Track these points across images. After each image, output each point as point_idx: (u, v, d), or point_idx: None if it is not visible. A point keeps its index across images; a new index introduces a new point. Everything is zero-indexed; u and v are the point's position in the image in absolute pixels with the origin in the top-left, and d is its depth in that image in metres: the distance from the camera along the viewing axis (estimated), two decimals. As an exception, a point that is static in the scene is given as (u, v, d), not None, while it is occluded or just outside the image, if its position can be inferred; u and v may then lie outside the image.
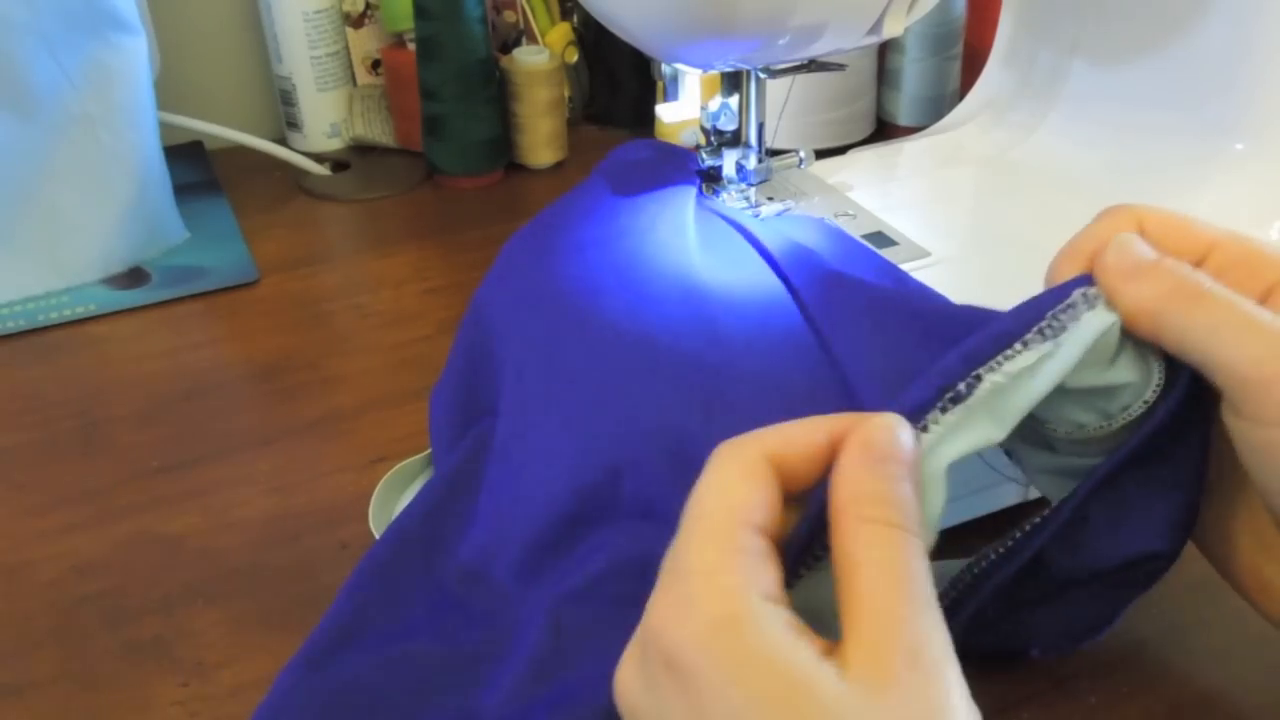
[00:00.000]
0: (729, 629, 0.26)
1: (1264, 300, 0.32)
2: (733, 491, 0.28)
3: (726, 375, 0.39)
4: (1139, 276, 0.32)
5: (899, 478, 0.28)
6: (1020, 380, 0.32)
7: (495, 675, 0.37)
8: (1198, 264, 0.33)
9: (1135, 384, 0.33)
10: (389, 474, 0.49)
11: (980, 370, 0.31)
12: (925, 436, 0.31)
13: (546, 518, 0.39)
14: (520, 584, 0.40)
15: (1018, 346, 0.32)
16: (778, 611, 0.26)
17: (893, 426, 0.29)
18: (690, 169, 0.51)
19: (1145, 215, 0.34)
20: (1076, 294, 0.33)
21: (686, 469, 0.34)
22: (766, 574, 0.27)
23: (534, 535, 0.39)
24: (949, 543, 0.46)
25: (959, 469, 0.37)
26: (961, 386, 0.31)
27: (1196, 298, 0.31)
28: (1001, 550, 0.35)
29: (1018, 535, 0.35)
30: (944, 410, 0.31)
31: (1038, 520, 0.35)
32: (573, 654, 0.36)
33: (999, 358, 0.31)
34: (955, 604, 0.36)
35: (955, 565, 0.36)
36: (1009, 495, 0.46)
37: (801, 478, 0.29)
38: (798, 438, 0.29)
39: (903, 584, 0.26)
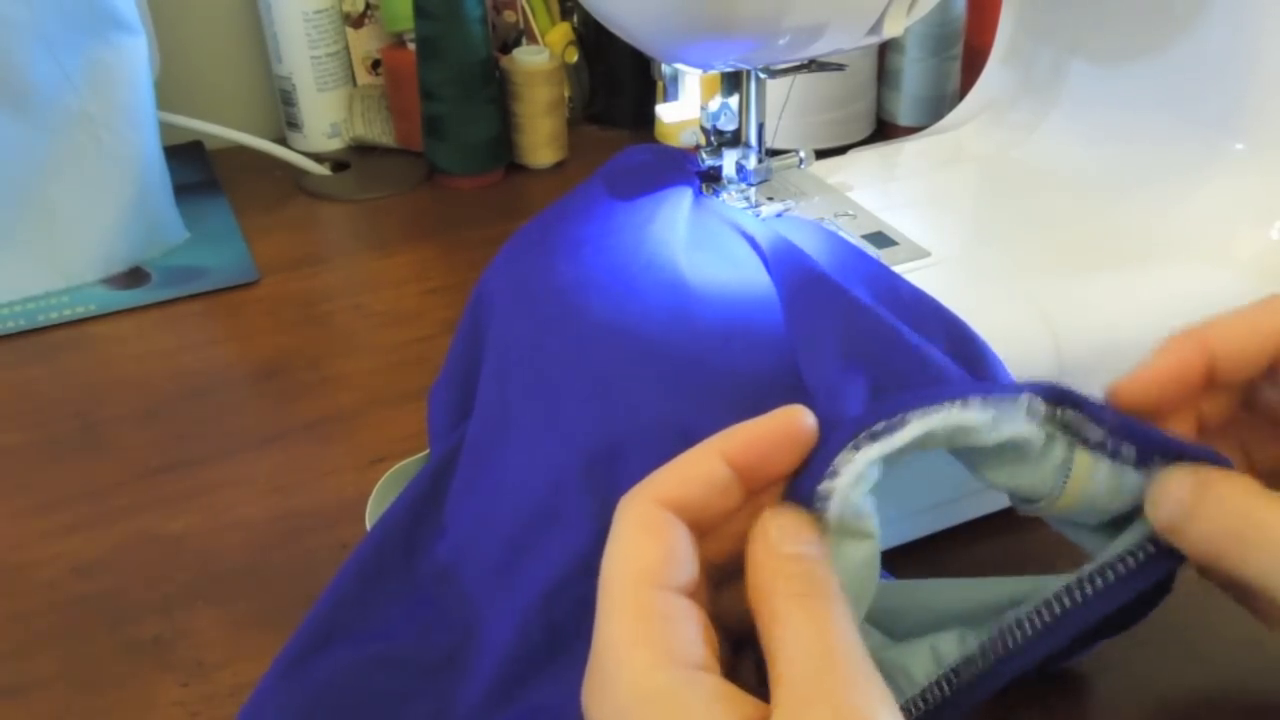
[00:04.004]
0: (645, 707, 0.25)
1: None
2: (635, 554, 0.27)
3: (702, 367, 0.39)
4: (1189, 522, 0.31)
5: (807, 556, 0.28)
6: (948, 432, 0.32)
7: (468, 679, 0.37)
8: (1273, 359, 0.33)
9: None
10: (387, 474, 0.49)
11: (908, 413, 0.31)
12: (835, 481, 0.30)
13: (521, 514, 0.39)
14: (491, 583, 0.39)
15: (956, 404, 0.32)
16: (697, 679, 0.25)
17: (791, 517, 0.29)
18: (689, 171, 0.51)
19: (1210, 335, 0.34)
20: (1024, 397, 0.33)
21: (662, 461, 0.34)
22: (684, 635, 0.26)
23: (509, 532, 0.39)
24: (949, 545, 0.46)
25: (949, 475, 0.37)
26: (880, 425, 0.31)
27: (1246, 544, 0.30)
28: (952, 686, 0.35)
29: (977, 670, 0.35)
30: (857, 448, 0.31)
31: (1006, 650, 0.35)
32: (540, 664, 0.36)
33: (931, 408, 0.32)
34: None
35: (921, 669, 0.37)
36: (1003, 498, 0.46)
37: (713, 509, 0.28)
38: (693, 473, 0.29)
39: (825, 648, 0.26)
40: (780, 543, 0.28)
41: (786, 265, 0.42)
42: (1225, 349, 0.33)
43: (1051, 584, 0.36)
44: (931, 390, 0.33)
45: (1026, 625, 0.34)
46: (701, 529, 0.29)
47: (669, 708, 0.25)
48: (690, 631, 0.26)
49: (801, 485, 0.30)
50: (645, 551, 0.27)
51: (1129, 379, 0.33)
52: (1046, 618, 0.34)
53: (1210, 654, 0.42)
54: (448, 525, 0.43)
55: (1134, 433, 0.33)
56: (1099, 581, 0.33)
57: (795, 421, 0.29)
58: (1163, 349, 0.33)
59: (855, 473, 0.30)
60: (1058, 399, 0.33)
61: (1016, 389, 0.33)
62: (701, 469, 0.29)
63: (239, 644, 0.44)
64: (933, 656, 0.36)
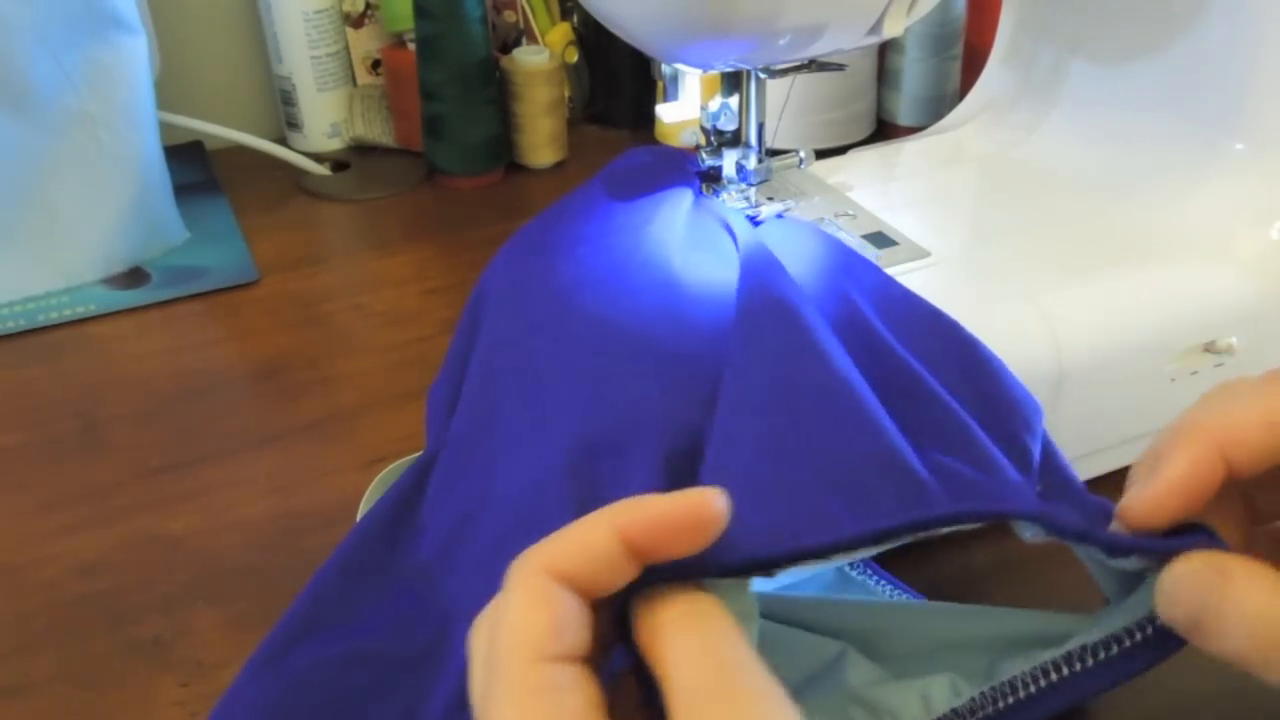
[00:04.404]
0: None
1: None
2: (522, 626, 0.27)
3: (691, 366, 0.39)
4: (1215, 623, 0.29)
5: (687, 589, 0.28)
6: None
7: (440, 679, 0.37)
8: None
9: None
10: (382, 474, 0.49)
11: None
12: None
13: (506, 515, 0.39)
14: (473, 583, 0.39)
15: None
16: None
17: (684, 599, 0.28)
18: (690, 172, 0.51)
19: (1220, 435, 0.30)
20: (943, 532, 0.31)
21: (652, 462, 0.33)
22: (572, 707, 0.26)
23: (493, 532, 0.39)
24: (945, 550, 0.46)
25: None
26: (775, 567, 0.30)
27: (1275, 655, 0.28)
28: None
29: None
30: (745, 574, 0.29)
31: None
32: None
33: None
34: None
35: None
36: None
37: (602, 583, 0.28)
38: (585, 545, 0.28)
39: (716, 660, 0.26)
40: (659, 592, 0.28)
41: (752, 281, 0.41)
42: (1239, 447, 0.29)
43: (1052, 625, 0.35)
44: (822, 539, 0.30)
45: (1019, 689, 0.33)
46: (592, 597, 0.28)
47: None
48: (577, 701, 0.26)
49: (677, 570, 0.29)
50: (531, 622, 0.27)
51: (1141, 498, 0.30)
52: (1042, 683, 0.33)
53: (1208, 655, 0.42)
54: (426, 523, 0.42)
55: (1100, 540, 0.30)
56: (1101, 654, 0.32)
57: (705, 508, 0.28)
58: (1171, 455, 0.30)
59: (734, 583, 0.29)
60: (990, 517, 0.31)
61: (941, 516, 0.31)
62: (594, 542, 0.27)
63: (239, 644, 0.44)
64: (922, 703, 0.36)
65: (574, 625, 0.27)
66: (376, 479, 0.49)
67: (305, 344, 0.64)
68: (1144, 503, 0.30)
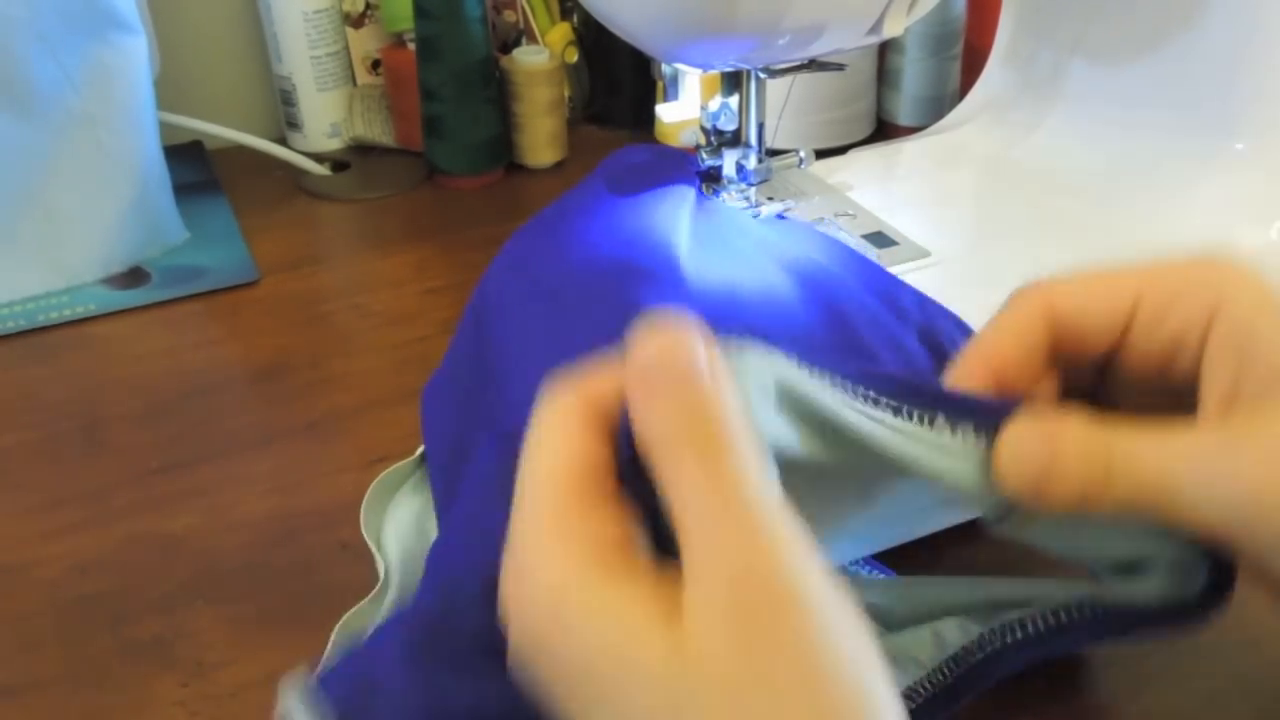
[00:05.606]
0: (558, 596, 0.24)
1: (1205, 328, 0.28)
2: (551, 442, 0.26)
3: None
4: (1050, 483, 0.28)
5: (699, 394, 0.25)
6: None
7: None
8: (1129, 319, 0.29)
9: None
10: (382, 474, 0.49)
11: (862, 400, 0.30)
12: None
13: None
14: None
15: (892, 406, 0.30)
16: (618, 564, 0.24)
17: (673, 342, 0.25)
18: (689, 170, 0.51)
19: (1055, 291, 0.30)
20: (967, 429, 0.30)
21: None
22: (607, 518, 0.24)
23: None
24: (949, 545, 0.46)
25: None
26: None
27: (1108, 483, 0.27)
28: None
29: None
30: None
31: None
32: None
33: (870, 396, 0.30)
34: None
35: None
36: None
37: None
38: (607, 376, 0.27)
39: (722, 500, 0.23)
40: (662, 386, 0.25)
41: (795, 260, 0.42)
42: (1072, 307, 0.29)
43: (1057, 593, 0.35)
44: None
45: (1029, 626, 0.34)
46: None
47: (577, 597, 0.24)
48: (613, 510, 0.25)
49: None
50: (560, 440, 0.26)
51: (959, 361, 0.29)
52: (1051, 622, 0.33)
53: (1209, 654, 0.42)
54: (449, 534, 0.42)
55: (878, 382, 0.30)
56: (1114, 605, 0.32)
57: (682, 353, 0.26)
58: (999, 314, 0.30)
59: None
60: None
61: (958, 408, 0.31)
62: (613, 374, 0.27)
63: (239, 644, 0.44)
64: (935, 641, 0.36)
65: (603, 446, 0.26)
66: (377, 479, 0.49)
67: (305, 344, 0.64)
68: (963, 362, 0.29)
